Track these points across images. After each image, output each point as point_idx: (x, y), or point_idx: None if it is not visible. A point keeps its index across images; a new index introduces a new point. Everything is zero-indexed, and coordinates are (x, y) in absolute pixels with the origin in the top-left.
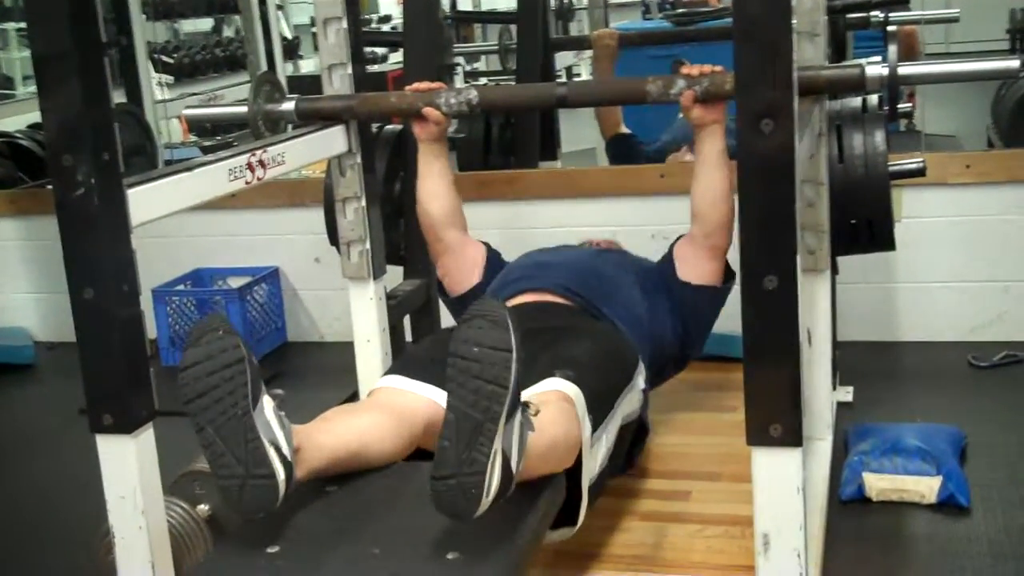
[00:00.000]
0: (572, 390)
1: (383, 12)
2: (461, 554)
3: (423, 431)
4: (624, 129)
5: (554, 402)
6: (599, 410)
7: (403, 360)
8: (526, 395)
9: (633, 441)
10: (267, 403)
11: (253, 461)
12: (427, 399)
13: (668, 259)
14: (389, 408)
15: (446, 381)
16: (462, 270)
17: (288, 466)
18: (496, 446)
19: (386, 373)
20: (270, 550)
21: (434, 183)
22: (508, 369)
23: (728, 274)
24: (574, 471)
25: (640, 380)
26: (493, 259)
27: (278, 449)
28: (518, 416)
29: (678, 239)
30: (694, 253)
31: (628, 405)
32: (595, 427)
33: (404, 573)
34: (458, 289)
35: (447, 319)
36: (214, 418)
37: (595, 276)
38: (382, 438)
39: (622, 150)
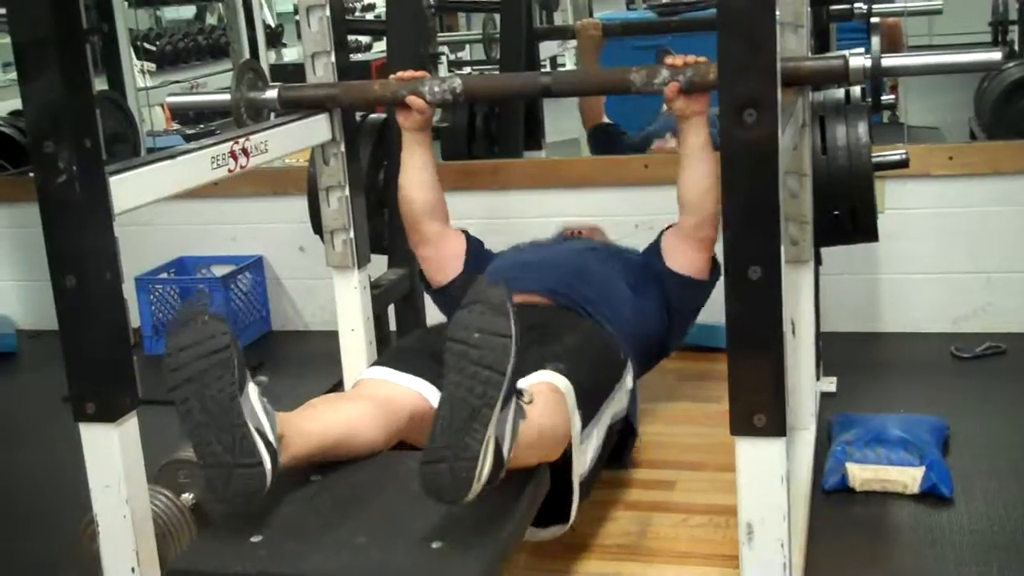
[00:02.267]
0: (563, 383)
1: (367, 0)
2: (445, 543)
3: (408, 422)
4: (606, 119)
5: (545, 393)
6: (589, 405)
7: (390, 353)
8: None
9: (621, 440)
10: (252, 390)
11: (240, 449)
12: (413, 391)
13: (655, 249)
14: (374, 398)
15: (443, 365)
16: (443, 261)
17: (274, 453)
18: (490, 432)
19: (372, 365)
20: (253, 539)
21: (417, 174)
22: (507, 355)
23: (715, 268)
24: (563, 467)
25: (629, 379)
26: (474, 248)
27: (264, 436)
28: (513, 403)
29: (666, 229)
30: (683, 244)
31: (617, 403)
32: (585, 423)
33: (388, 562)
34: (440, 279)
35: (431, 308)
36: (201, 403)
37: (579, 275)
38: (367, 427)
39: (604, 140)
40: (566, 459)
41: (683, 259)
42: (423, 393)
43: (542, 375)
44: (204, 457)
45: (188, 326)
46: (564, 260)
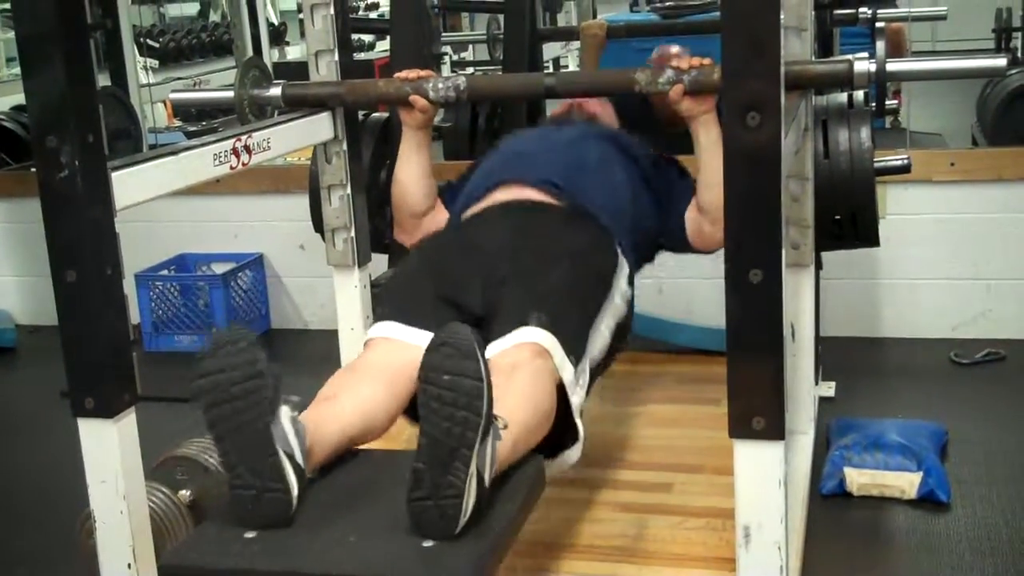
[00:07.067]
0: (548, 340)
1: None
2: (436, 541)
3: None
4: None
5: (528, 363)
6: (580, 343)
7: (395, 298)
8: (499, 345)
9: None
10: (284, 413)
11: (269, 475)
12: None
13: (675, 191)
14: (386, 370)
15: (419, 407)
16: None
17: (301, 475)
18: (472, 469)
19: (380, 318)
20: (247, 535)
21: (416, 169)
22: (480, 399)
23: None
24: (562, 399)
25: (623, 281)
26: (449, 194)
27: (292, 460)
28: (490, 436)
29: (690, 204)
30: (704, 233)
31: (612, 313)
32: (577, 361)
33: (378, 560)
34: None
35: None
36: (232, 430)
37: (577, 166)
38: (382, 412)
39: None
40: (564, 399)
41: (698, 236)
42: None
43: (526, 333)
44: (233, 479)
45: (222, 352)
46: (562, 151)
